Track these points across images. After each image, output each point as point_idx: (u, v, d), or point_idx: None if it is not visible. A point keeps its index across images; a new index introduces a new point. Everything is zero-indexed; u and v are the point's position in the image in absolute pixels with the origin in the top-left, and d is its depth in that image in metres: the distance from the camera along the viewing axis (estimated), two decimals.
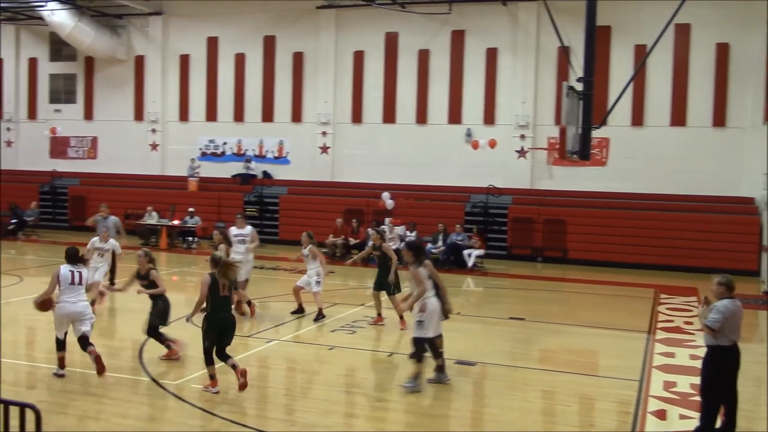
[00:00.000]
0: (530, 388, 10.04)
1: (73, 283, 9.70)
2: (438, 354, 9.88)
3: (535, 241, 23.69)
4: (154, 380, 9.59)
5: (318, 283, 13.80)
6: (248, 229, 14.30)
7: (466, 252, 21.86)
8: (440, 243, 22.30)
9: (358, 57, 26.89)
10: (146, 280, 10.95)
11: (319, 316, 13.58)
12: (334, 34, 27.00)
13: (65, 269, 9.69)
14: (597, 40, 15.29)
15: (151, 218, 25.55)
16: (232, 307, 9.94)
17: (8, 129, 31.77)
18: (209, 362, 9.17)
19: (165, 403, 8.80)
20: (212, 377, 9.19)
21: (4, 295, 15.38)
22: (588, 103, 14.50)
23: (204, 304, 9.34)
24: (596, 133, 16.14)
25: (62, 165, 30.71)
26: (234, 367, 9.15)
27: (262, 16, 27.83)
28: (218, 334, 9.19)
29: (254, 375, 10.32)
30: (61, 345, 9.75)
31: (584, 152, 14.83)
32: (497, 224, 24.01)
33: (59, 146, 31.19)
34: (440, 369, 9.90)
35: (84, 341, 9.65)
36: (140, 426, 8.02)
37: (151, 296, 10.91)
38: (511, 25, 25.18)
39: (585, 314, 15.66)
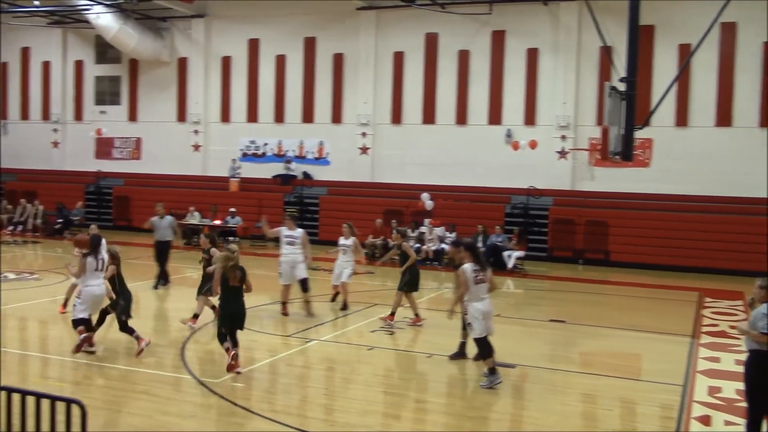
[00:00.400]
0: (571, 392, 9.93)
1: (96, 269, 10.73)
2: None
3: (576, 243, 23.44)
4: (195, 378, 9.71)
5: (349, 275, 14.45)
6: (299, 231, 14.36)
7: (506, 253, 21.73)
8: (480, 244, 22.18)
9: (398, 58, 26.90)
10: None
11: (344, 307, 14.23)
12: (374, 36, 27.05)
13: (91, 257, 10.69)
14: (640, 39, 15.09)
15: (193, 218, 25.87)
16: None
17: (55, 130, 32.44)
18: (222, 340, 9.99)
19: (206, 401, 8.89)
20: (227, 350, 9.91)
21: (50, 292, 15.73)
22: (631, 104, 14.33)
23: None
24: (639, 134, 15.95)
25: (107, 165, 31.26)
26: (228, 350, 9.93)
27: (303, 18, 28.00)
28: (230, 320, 9.96)
29: (294, 374, 10.40)
30: (87, 324, 10.78)
31: (627, 153, 14.67)
32: (537, 226, 23.82)
33: (104, 147, 31.75)
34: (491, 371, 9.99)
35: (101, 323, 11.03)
36: (182, 423, 8.12)
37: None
38: (552, 25, 24.96)
39: (627, 317, 15.44)
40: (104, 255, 10.93)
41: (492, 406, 9.28)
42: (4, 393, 5.97)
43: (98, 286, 10.75)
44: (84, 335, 10.62)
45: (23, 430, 5.82)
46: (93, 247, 10.89)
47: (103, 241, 11.38)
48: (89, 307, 10.80)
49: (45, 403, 5.80)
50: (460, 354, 11.12)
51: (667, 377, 10.42)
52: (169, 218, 17.33)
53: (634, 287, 19.32)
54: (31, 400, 5.84)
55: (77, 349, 10.66)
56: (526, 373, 10.60)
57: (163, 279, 17.11)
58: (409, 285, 13.57)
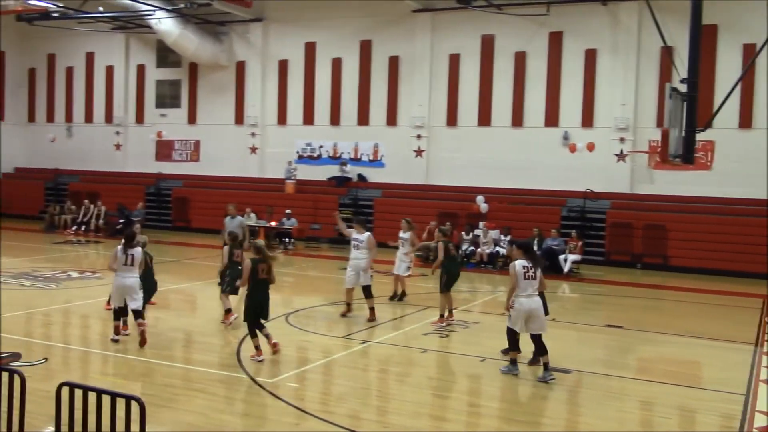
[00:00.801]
0: (627, 398, 9.75)
1: (126, 263, 11.35)
2: (540, 351, 10.30)
3: (635, 247, 23.01)
4: (250, 377, 9.84)
5: (408, 268, 15.08)
6: (366, 235, 14.38)
7: (562, 257, 21.46)
8: (535, 247, 21.95)
9: (454, 60, 26.82)
10: None
11: (402, 297, 15.07)
12: (430, 38, 27.03)
13: (121, 250, 11.41)
14: (702, 39, 14.76)
15: (250, 219, 26.19)
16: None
17: (117, 133, 33.26)
18: (253, 335, 10.71)
19: (261, 401, 9.00)
20: (257, 348, 10.61)
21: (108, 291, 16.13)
22: (692, 105, 14.04)
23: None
24: (701, 136, 15.60)
25: (167, 167, 31.93)
26: (267, 336, 10.84)
27: (359, 21, 28.16)
28: (256, 309, 10.76)
29: (347, 376, 10.45)
30: (116, 314, 11.64)
31: (688, 155, 14.38)
32: (594, 229, 23.47)
33: (164, 149, 32.44)
34: (545, 367, 10.18)
35: (136, 314, 11.35)
36: (236, 421, 8.24)
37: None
38: (611, 26, 24.58)
39: (686, 323, 15.10)
40: (136, 251, 11.50)
41: (545, 411, 9.18)
42: (66, 389, 6.14)
43: (125, 278, 11.35)
44: (142, 328, 11.24)
45: (85, 425, 5.98)
46: (127, 241, 11.54)
47: (142, 238, 12.11)
48: (114, 297, 11.63)
49: (106, 399, 5.95)
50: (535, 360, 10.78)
51: (729, 386, 10.14)
52: (239, 219, 17.72)
53: (694, 293, 18.87)
54: (92, 396, 6.00)
55: (141, 344, 11.06)
56: (581, 378, 10.45)
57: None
58: (447, 285, 13.68)
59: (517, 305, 10.12)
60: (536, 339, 10.28)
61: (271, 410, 8.65)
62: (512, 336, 10.32)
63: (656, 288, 19.83)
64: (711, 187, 23.02)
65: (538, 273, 10.23)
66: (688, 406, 9.63)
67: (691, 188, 23.26)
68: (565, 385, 10.15)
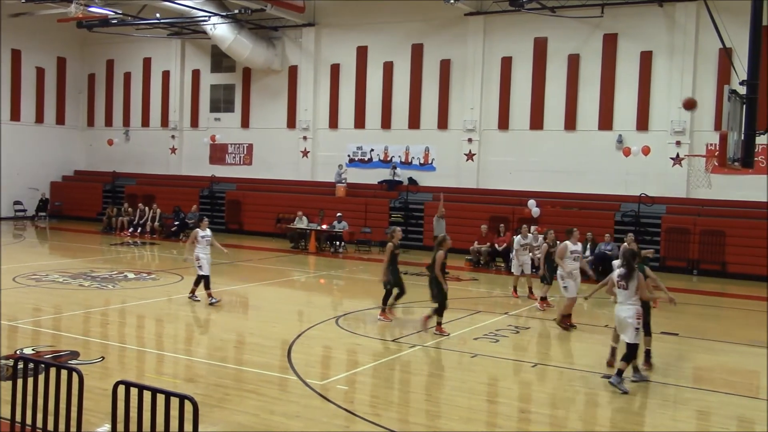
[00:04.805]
0: (683, 407, 9.54)
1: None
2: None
3: (691, 253, 22.51)
4: (301, 379, 9.90)
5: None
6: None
7: (615, 262, 21.02)
8: (588, 252, 21.65)
9: (506, 63, 26.64)
10: None
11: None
12: (482, 41, 26.90)
13: (201, 232, 15.18)
14: (763, 40, 14.37)
15: (301, 222, 26.44)
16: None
17: (173, 137, 33.90)
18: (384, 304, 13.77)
19: (311, 402, 9.05)
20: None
21: (166, 291, 16.44)
22: (752, 108, 13.66)
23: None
24: (760, 140, 15.19)
25: (220, 170, 32.39)
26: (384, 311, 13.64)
27: (411, 25, 28.18)
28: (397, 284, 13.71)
29: (397, 379, 10.45)
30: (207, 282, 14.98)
31: (747, 159, 13.98)
32: (649, 234, 23.03)
33: (218, 153, 32.93)
34: (634, 368, 10.45)
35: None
36: (287, 422, 8.30)
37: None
38: (667, 27, 24.12)
39: (745, 332, 14.70)
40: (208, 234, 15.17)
41: (599, 420, 9.03)
42: (122, 387, 6.27)
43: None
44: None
45: (140, 423, 6.10)
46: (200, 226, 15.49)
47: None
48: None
49: (160, 398, 6.06)
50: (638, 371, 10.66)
51: None
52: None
53: (753, 300, 18.37)
54: (147, 395, 6.11)
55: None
56: (636, 386, 10.25)
57: None
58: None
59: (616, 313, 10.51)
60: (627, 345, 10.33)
61: (320, 412, 8.69)
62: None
63: (713, 295, 19.35)
64: None
65: (631, 284, 10.23)
66: (746, 416, 9.37)
67: (749, 193, 22.66)
68: (618, 393, 9.97)
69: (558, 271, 14.15)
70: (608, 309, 13.79)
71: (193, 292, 15.33)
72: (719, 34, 15.37)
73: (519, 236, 17.70)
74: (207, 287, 15.05)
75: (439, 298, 12.93)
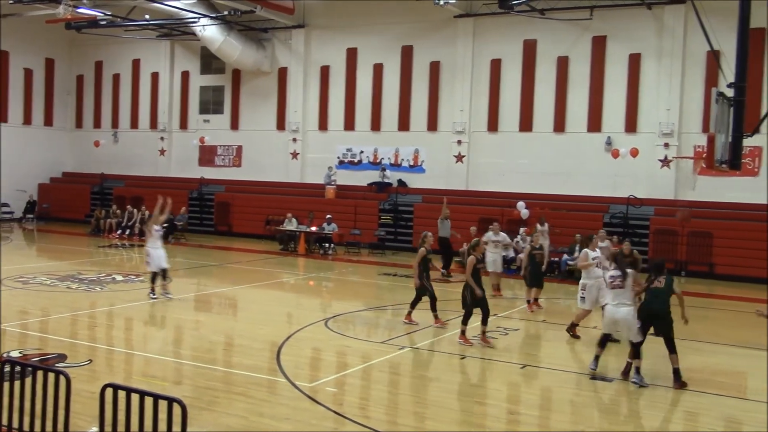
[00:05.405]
0: (672, 409, 9.58)
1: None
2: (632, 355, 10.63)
3: (679, 255, 22.60)
4: (290, 381, 9.88)
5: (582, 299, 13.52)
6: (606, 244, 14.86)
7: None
8: (577, 254, 21.68)
9: (495, 65, 26.70)
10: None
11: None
12: (471, 43, 26.96)
13: (156, 226, 15.61)
14: (750, 42, 14.45)
15: (291, 224, 26.39)
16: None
17: (162, 138, 33.79)
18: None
19: (300, 404, 9.03)
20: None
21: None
22: (739, 110, 13.74)
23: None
24: (748, 142, 15.27)
25: (209, 172, 32.31)
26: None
27: (400, 27, 28.20)
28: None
29: (386, 381, 10.44)
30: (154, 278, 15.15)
31: (734, 161, 14.06)
32: (638, 236, 23.11)
33: (207, 155, 32.85)
34: (635, 371, 10.50)
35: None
36: (276, 425, 8.27)
37: None
38: (656, 29, 24.24)
39: (732, 333, 14.79)
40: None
41: (588, 421, 9.05)
42: (110, 390, 6.24)
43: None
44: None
45: (128, 426, 6.07)
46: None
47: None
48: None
49: (148, 401, 6.03)
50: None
51: None
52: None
53: (740, 301, 18.47)
54: (135, 398, 6.08)
55: None
56: (623, 387, 10.29)
57: None
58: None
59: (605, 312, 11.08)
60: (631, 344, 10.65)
61: (309, 414, 8.67)
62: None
63: (701, 296, 19.42)
64: (758, 194, 22.51)
65: (627, 283, 10.64)
66: (734, 417, 9.42)
67: (737, 195, 22.80)
68: (607, 395, 10.01)
69: (581, 280, 13.68)
70: (598, 311, 13.85)
71: (152, 289, 15.55)
72: (707, 37, 15.44)
73: (490, 232, 17.93)
74: (153, 281, 15.50)
75: (470, 305, 12.47)
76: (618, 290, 10.56)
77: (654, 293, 10.52)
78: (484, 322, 12.41)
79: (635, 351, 10.44)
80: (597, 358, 10.91)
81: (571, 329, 13.48)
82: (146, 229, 16.00)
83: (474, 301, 12.31)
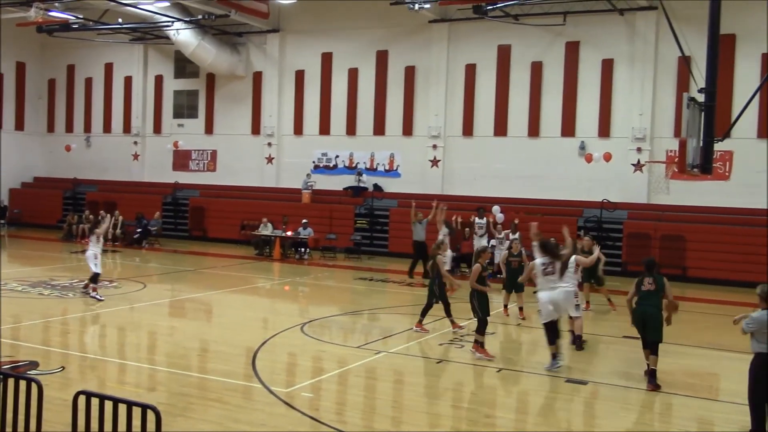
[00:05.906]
0: (645, 410, 9.68)
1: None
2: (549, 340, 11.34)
3: None
4: (266, 387, 9.84)
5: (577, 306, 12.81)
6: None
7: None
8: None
9: (470, 70, 26.83)
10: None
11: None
12: (446, 48, 27.06)
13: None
14: (720, 48, 14.67)
15: (266, 229, 26.29)
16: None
17: (135, 143, 33.51)
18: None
19: (275, 410, 9.00)
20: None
21: (128, 300, 16.22)
22: (710, 115, 13.95)
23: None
24: (719, 146, 15.49)
25: (184, 177, 32.08)
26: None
27: (375, 31, 28.24)
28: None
29: (363, 386, 10.43)
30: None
31: (706, 166, 14.27)
32: (611, 239, 23.33)
33: (181, 159, 32.62)
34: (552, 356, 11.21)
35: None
36: (251, 431, 8.23)
37: None
38: (628, 35, 24.50)
39: (705, 335, 14.97)
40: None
41: (563, 423, 9.11)
42: (83, 397, 6.17)
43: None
44: None
45: None
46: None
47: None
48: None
49: (122, 408, 5.97)
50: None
51: (747, 398, 10.00)
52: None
53: (712, 304, 18.72)
54: (108, 405, 6.02)
55: None
56: (598, 390, 10.38)
57: None
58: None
59: (541, 299, 11.46)
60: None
61: (285, 420, 8.65)
62: (548, 328, 11.38)
63: (674, 299, 19.61)
64: (729, 197, 22.84)
65: (557, 266, 11.53)
66: (706, 418, 9.54)
67: (709, 198, 23.09)
68: (581, 397, 10.09)
69: (568, 288, 12.51)
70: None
71: (94, 290, 16.00)
72: (678, 43, 15.68)
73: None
74: (95, 281, 16.08)
75: (482, 312, 11.89)
76: (550, 276, 11.47)
77: (645, 296, 10.67)
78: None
79: (554, 333, 11.24)
80: (555, 356, 11.22)
81: (577, 342, 12.85)
82: (97, 234, 16.50)
83: (485, 309, 11.84)
